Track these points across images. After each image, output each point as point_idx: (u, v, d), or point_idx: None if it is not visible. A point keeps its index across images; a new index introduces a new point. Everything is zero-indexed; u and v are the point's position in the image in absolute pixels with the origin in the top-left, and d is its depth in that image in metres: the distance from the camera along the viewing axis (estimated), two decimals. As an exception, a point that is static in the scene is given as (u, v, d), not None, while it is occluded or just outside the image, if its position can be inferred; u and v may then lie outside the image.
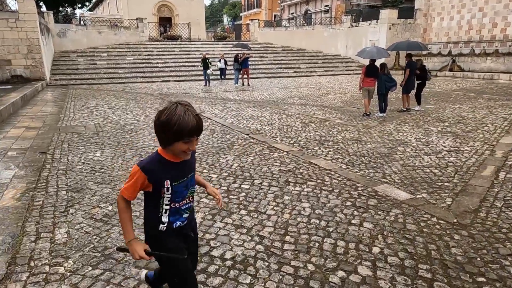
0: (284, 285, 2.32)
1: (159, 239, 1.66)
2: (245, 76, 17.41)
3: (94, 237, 2.89)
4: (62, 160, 5.08)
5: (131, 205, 1.65)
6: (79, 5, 34.40)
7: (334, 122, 7.99)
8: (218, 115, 9.10)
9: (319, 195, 3.84)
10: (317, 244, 2.83)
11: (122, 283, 2.31)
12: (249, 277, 2.40)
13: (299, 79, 20.45)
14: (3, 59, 15.50)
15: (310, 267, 2.53)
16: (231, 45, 24.45)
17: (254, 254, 2.68)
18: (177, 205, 1.64)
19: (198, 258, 2.60)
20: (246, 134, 6.88)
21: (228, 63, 19.10)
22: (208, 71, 16.57)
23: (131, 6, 33.63)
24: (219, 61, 18.38)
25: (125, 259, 2.57)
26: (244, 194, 3.88)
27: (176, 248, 1.67)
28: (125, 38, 25.18)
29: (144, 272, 2.21)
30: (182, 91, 15.02)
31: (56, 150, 5.63)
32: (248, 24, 34.88)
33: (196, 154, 5.52)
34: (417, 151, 5.59)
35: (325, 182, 4.22)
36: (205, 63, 16.53)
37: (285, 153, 5.53)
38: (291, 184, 4.17)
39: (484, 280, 2.39)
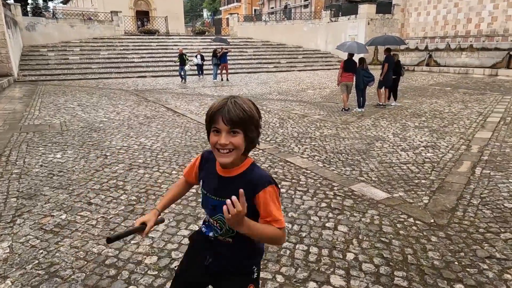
0: (250, 301, 2.10)
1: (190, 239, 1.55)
2: (224, 71, 17.05)
3: (41, 251, 2.59)
4: (17, 163, 4.68)
5: (185, 184, 1.54)
6: (51, -2, 32.93)
7: (312, 118, 7.84)
8: (194, 111, 8.79)
9: (293, 196, 3.64)
10: (288, 252, 2.63)
11: (65, 306, 2.04)
12: (212, 293, 2.17)
13: (279, 74, 20.27)
14: (-36, 54, 14.56)
15: (280, 278, 2.33)
16: (210, 40, 23.98)
17: (219, 265, 2.45)
18: (207, 216, 1.43)
19: (156, 273, 2.36)
20: (221, 131, 6.61)
21: (207, 58, 18.65)
22: (186, 67, 15.96)
23: (106, -1, 32.45)
24: (196, 56, 17.67)
25: (72, 276, 2.29)
26: (213, 197, 3.63)
27: (186, 261, 1.52)
28: (99, 32, 24.24)
29: None
30: (158, 87, 14.54)
31: (13, 151, 5.20)
32: (227, 19, 34.34)
33: (166, 154, 5.25)
34: (394, 147, 5.49)
35: (300, 182, 4.04)
36: (182, 59, 15.81)
37: (261, 151, 5.31)
38: (265, 184, 3.96)
39: (462, 286, 2.25)
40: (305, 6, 37.15)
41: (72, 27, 23.22)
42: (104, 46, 22.51)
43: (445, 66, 20.13)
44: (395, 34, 21.77)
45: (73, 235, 2.83)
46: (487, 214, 3.23)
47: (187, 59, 15.94)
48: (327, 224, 3.05)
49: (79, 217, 3.16)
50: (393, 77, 9.53)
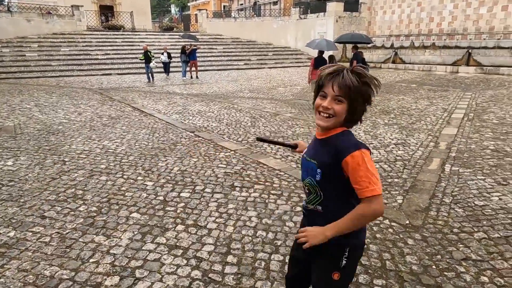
0: (223, 323, 1.92)
1: None
2: (193, 68, 16.63)
3: (-18, 277, 2.27)
4: (-39, 172, 4.20)
5: None
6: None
7: (284, 116, 7.74)
8: (162, 111, 8.43)
9: (267, 201, 3.49)
10: (263, 264, 2.47)
11: None
12: (180, 316, 1.97)
13: (250, 71, 20.10)
14: None
15: (254, 294, 2.17)
16: (178, 36, 23.35)
17: (189, 283, 2.25)
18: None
19: (118, 296, 2.12)
20: (191, 132, 6.36)
21: (175, 55, 18.09)
22: (151, 65, 15.08)
23: (67, -8, 30.72)
24: (162, 54, 16.90)
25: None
26: (183, 204, 3.41)
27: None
28: (59, 27, 22.92)
29: None
30: (124, 85, 13.92)
31: (-43, 159, 4.69)
32: (196, 15, 33.64)
33: (131, 158, 4.93)
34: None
35: (274, 185, 3.90)
36: (147, 56, 14.90)
37: (232, 152, 5.13)
38: (237, 189, 3.78)
39: (442, 292, 2.19)
40: (274, 3, 37.19)
41: (29, 22, 21.78)
42: (65, 42, 21.32)
43: (410, 63, 20.79)
44: (363, 32, 22.23)
45: (22, 255, 2.52)
46: (459, 213, 3.24)
47: (153, 56, 15.20)
48: (302, 230, 2.92)
49: (30, 233, 2.83)
50: None
